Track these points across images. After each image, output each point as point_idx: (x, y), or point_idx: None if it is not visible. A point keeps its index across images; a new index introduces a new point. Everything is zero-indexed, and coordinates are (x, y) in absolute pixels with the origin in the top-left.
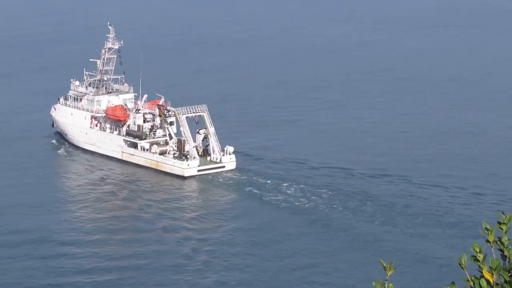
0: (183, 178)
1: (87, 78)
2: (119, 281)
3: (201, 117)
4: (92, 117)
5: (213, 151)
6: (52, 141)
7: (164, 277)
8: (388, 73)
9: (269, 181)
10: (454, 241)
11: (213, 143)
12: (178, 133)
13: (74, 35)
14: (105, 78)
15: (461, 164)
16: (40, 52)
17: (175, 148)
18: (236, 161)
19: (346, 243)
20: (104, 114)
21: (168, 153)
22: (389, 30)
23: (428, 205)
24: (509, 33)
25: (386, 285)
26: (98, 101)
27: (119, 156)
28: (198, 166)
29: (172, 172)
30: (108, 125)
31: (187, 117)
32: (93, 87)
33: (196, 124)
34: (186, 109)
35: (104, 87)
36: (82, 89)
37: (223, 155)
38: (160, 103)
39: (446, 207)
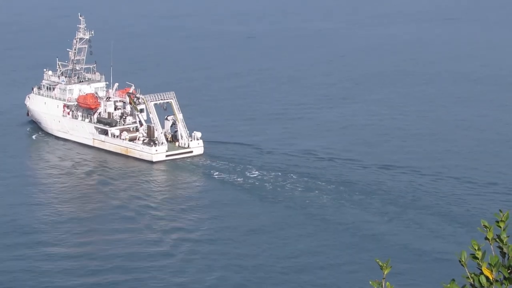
0: (151, 163)
1: (59, 68)
2: (87, 266)
3: (169, 104)
4: (64, 105)
5: (181, 136)
6: (27, 129)
7: (132, 260)
8: (395, 69)
9: (235, 166)
10: (461, 236)
11: (181, 129)
12: (149, 120)
13: (47, 25)
14: (77, 68)
15: (470, 159)
16: (13, 41)
17: (145, 135)
18: (203, 146)
19: (330, 234)
20: (76, 103)
21: (138, 139)
22: (391, 26)
23: (434, 199)
24: None
25: (383, 284)
26: (70, 90)
27: (90, 143)
28: (166, 151)
29: (141, 157)
30: (79, 113)
31: (155, 104)
32: (66, 77)
33: (164, 110)
34: (154, 96)
35: (76, 77)
36: (54, 79)
37: (191, 140)
38: (130, 91)
39: (454, 201)
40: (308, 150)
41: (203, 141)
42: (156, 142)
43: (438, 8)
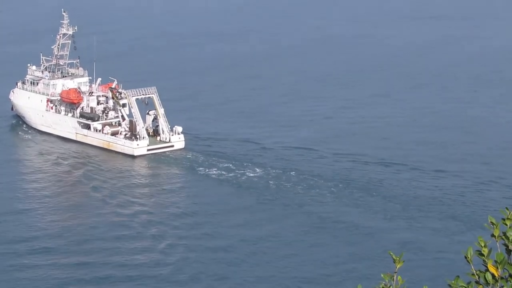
0: (133, 157)
1: (43, 63)
2: (64, 260)
3: (150, 99)
4: (48, 100)
5: (163, 131)
6: (11, 124)
7: (114, 251)
8: (395, 66)
9: (216, 160)
10: (461, 234)
11: (162, 123)
12: (131, 115)
13: (31, 22)
14: (61, 63)
15: (472, 157)
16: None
17: (127, 129)
18: (184, 140)
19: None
20: (59, 97)
21: (120, 133)
22: (391, 23)
23: (436, 197)
24: None
25: (395, 278)
26: (53, 84)
27: (73, 137)
28: (148, 145)
29: (123, 151)
30: (63, 108)
31: (137, 99)
32: (49, 72)
33: (145, 105)
34: (136, 91)
35: (59, 72)
36: (38, 74)
37: (172, 135)
38: (113, 86)
39: (456, 199)
40: (297, 146)
41: (184, 136)
42: (138, 136)
43: (439, 7)
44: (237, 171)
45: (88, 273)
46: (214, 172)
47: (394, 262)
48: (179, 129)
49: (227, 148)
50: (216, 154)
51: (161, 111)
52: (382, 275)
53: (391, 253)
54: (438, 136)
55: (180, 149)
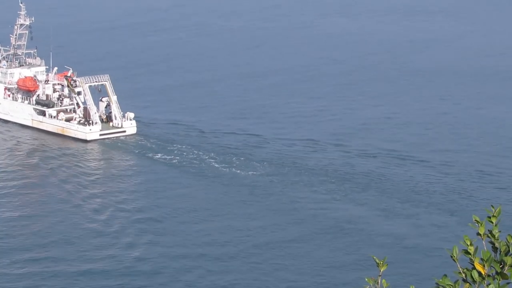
0: (85, 141)
1: (1, 52)
2: (17, 245)
3: (103, 86)
4: (5, 88)
5: (115, 117)
6: None
7: (67, 233)
8: (399, 64)
9: (166, 145)
10: (459, 230)
11: (115, 110)
12: (85, 102)
13: None
14: (19, 53)
15: (472, 152)
16: None
17: (82, 116)
18: (136, 126)
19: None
20: (16, 85)
21: (74, 119)
22: (392, 20)
23: (433, 193)
24: None
25: (379, 281)
26: (11, 73)
27: (29, 123)
28: (100, 130)
29: (76, 136)
30: (19, 95)
31: (90, 86)
32: (7, 61)
33: (99, 92)
34: (89, 78)
35: (17, 61)
36: None
37: (124, 121)
38: (68, 74)
39: (453, 195)
40: (246, 133)
41: (136, 122)
42: (91, 122)
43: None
44: (186, 156)
45: (39, 257)
46: (163, 156)
47: (378, 265)
48: (131, 115)
49: (177, 134)
50: (166, 140)
51: (113, 98)
52: (366, 279)
53: (374, 257)
54: (439, 133)
55: (132, 134)
